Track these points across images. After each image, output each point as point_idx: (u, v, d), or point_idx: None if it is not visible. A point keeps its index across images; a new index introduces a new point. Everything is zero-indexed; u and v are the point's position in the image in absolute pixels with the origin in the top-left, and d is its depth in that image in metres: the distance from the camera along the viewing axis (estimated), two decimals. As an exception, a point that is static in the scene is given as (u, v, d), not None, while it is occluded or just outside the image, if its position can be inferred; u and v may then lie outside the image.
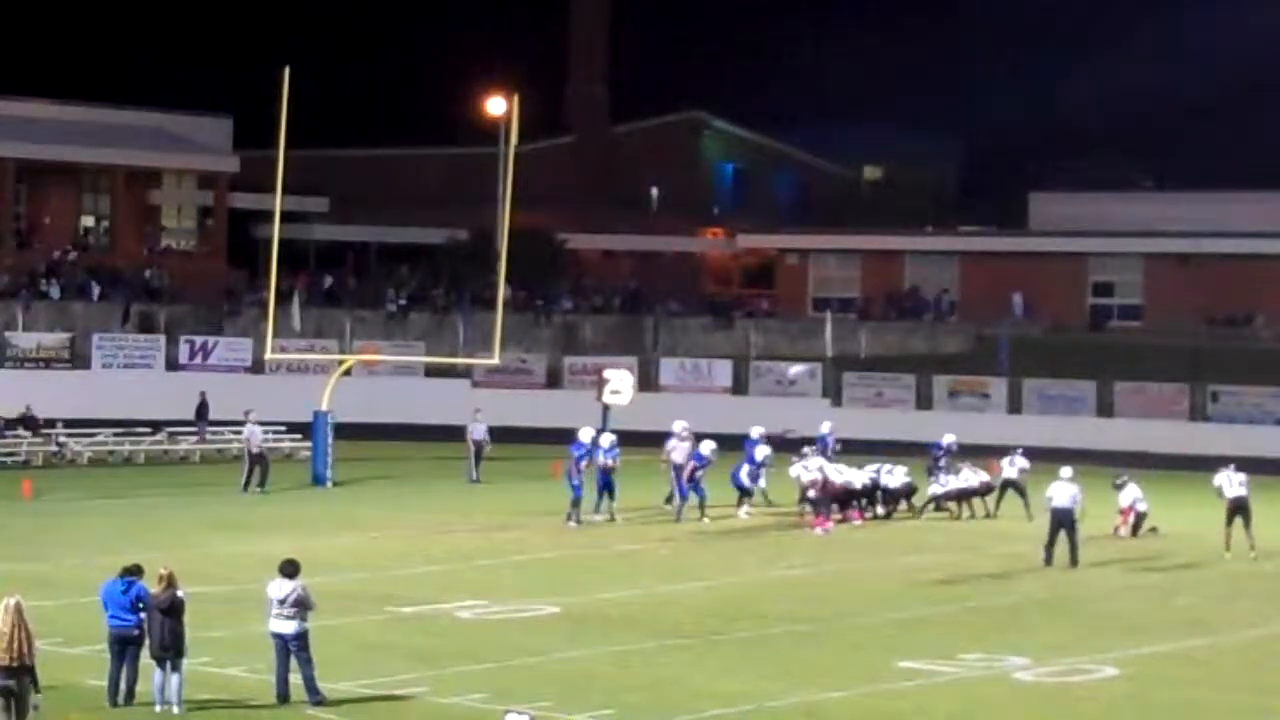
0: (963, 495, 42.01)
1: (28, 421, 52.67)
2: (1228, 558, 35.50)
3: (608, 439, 40.80)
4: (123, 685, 21.29)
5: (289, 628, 21.46)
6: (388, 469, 50.92)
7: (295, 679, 21.55)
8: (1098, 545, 35.91)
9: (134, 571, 21.48)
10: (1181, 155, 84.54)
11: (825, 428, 46.16)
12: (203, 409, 55.16)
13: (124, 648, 21.28)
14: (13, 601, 18.93)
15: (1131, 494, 39.25)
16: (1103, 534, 37.54)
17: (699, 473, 40.72)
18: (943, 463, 43.50)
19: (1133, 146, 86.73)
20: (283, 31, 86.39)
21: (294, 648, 21.46)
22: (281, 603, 21.50)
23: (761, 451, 41.62)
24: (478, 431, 49.31)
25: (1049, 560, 34.18)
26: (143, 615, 21.14)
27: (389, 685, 22.61)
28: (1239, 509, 36.02)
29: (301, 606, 21.46)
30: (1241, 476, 36.47)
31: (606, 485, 40.10)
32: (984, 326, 69.46)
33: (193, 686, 21.45)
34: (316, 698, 21.39)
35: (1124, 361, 62.56)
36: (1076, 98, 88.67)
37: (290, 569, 21.70)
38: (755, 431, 43.50)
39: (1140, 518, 39.11)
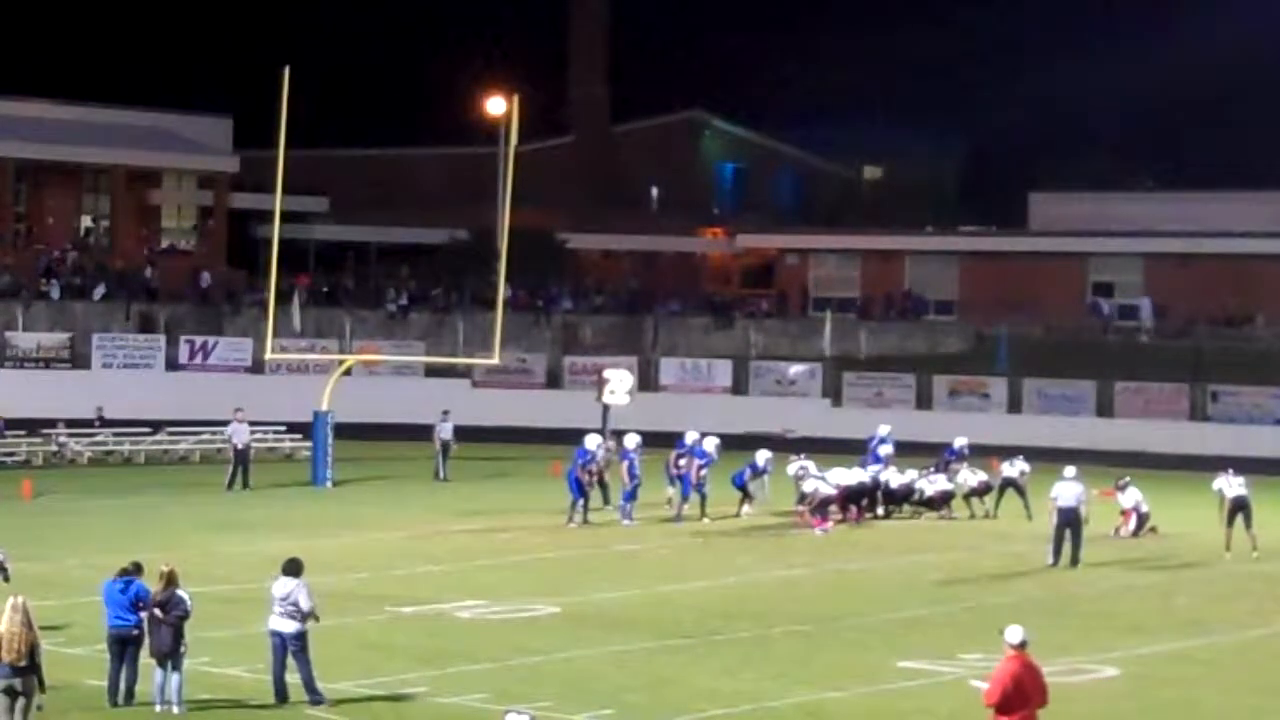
0: (947, 498, 41.91)
1: None
2: (1228, 558, 35.51)
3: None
4: (122, 685, 21.28)
5: (289, 626, 21.41)
6: (388, 469, 50.91)
7: (293, 679, 21.53)
8: (1098, 545, 35.88)
9: (133, 570, 21.49)
10: (1181, 155, 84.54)
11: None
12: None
13: (123, 648, 21.27)
14: (18, 601, 18.96)
15: (1134, 496, 39.26)
16: (1102, 534, 37.55)
17: (703, 471, 40.66)
18: (953, 465, 43.47)
19: (1133, 146, 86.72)
20: (283, 31, 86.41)
21: (293, 648, 21.40)
22: (284, 600, 21.48)
23: (763, 456, 41.46)
24: (445, 431, 49.53)
25: (1056, 559, 34.15)
26: (142, 615, 21.14)
27: (389, 685, 22.60)
28: (1240, 508, 36.07)
29: (298, 607, 21.40)
30: (1241, 479, 36.52)
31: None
32: (984, 326, 69.48)
33: (193, 686, 21.44)
34: (316, 697, 21.38)
35: (1124, 362, 62.56)
36: (1076, 98, 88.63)
37: (293, 568, 21.69)
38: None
39: (1142, 520, 39.11)
